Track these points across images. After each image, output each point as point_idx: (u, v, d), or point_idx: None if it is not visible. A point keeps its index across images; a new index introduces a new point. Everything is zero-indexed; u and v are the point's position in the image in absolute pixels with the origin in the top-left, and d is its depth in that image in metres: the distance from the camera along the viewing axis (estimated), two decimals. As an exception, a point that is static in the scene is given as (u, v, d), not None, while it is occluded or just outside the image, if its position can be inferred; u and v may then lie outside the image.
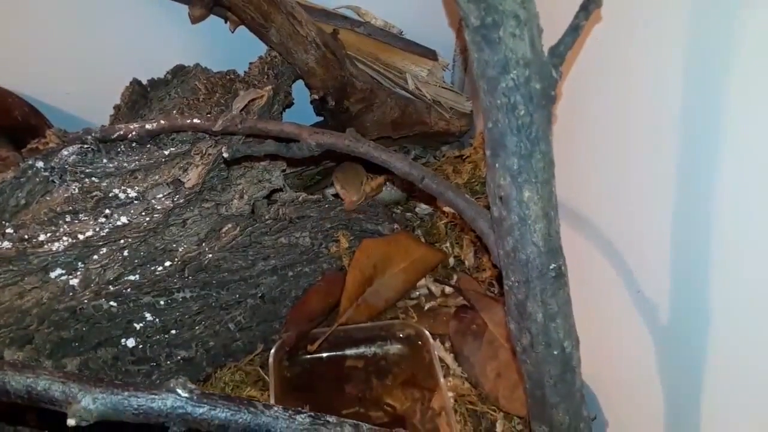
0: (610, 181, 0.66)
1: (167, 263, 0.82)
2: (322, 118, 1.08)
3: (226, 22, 1.00)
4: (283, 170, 0.92)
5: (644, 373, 0.62)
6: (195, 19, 0.86)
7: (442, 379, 0.81)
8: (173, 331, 0.81)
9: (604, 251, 0.67)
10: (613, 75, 0.62)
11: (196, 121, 0.84)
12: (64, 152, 0.84)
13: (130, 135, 0.86)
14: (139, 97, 0.99)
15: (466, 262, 0.98)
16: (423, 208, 1.05)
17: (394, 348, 0.88)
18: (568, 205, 0.72)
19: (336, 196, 0.99)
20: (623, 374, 0.69)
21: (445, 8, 1.10)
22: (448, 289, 0.97)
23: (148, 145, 0.87)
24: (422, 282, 0.97)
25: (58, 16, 1.00)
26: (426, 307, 0.95)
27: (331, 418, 0.53)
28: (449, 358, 0.87)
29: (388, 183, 1.05)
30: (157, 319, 0.80)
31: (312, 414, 0.52)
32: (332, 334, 0.86)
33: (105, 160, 0.84)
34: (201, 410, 0.47)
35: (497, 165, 0.49)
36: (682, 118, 0.51)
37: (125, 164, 0.84)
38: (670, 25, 0.51)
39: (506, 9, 0.41)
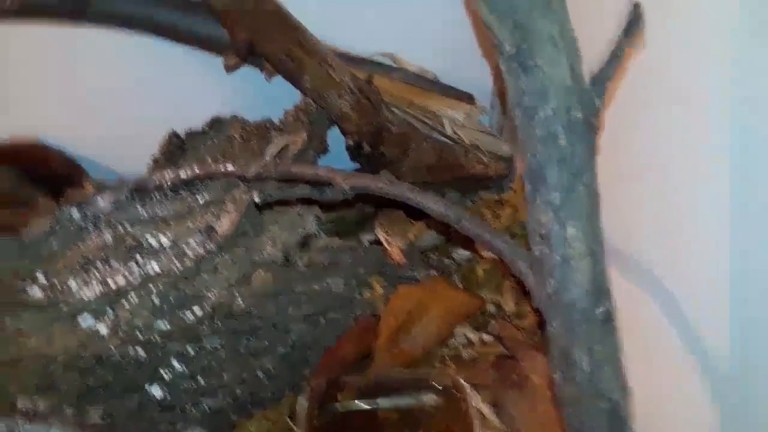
0: (660, 218, 0.62)
1: (197, 310, 0.80)
2: (358, 165, 1.07)
3: (261, 71, 1.00)
4: (317, 216, 0.90)
5: (703, 429, 0.57)
6: (229, 68, 0.86)
7: (481, 433, 0.77)
8: (200, 379, 0.79)
9: (656, 293, 0.63)
10: (662, 102, 0.59)
11: (229, 167, 0.83)
12: (99, 201, 0.84)
13: (164, 184, 0.85)
14: (176, 149, 1.00)
15: (506, 309, 0.94)
16: (461, 253, 1.02)
17: (430, 399, 0.84)
18: (615, 243, 0.69)
19: (375, 242, 0.97)
20: (679, 429, 0.64)
21: (482, 50, 1.09)
22: (487, 337, 0.93)
23: (182, 193, 0.86)
24: (460, 330, 0.93)
25: (97, 68, 1.03)
26: (464, 356, 0.91)
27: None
28: (488, 410, 0.82)
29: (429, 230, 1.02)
30: (184, 367, 0.78)
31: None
32: (364, 383, 0.83)
33: (139, 208, 0.84)
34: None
35: (537, 200, 0.46)
36: (739, 148, 0.47)
37: (158, 212, 0.84)
38: (721, 48, 0.48)
39: (542, 34, 0.39)
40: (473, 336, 0.93)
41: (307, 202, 0.81)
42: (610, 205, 0.50)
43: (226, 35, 0.89)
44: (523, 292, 0.93)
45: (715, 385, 0.55)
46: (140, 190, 0.86)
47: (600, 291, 0.48)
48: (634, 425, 0.53)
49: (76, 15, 0.87)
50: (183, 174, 0.85)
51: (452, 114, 1.08)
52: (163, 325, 0.78)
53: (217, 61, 0.97)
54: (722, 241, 0.51)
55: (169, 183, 0.85)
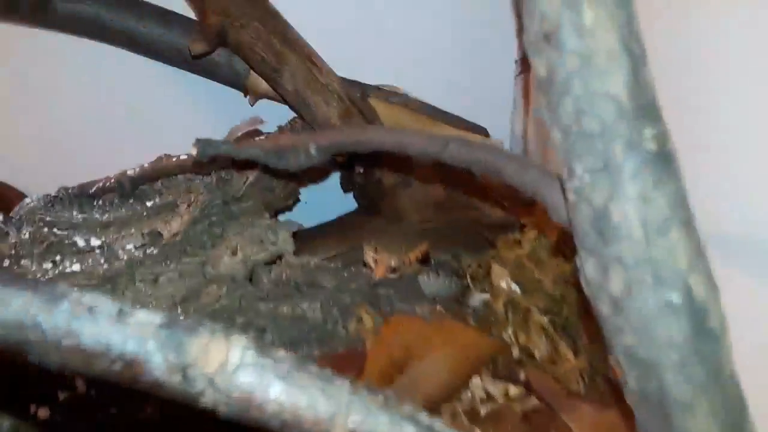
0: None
1: (122, 322, 0.61)
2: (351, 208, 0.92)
3: (245, 96, 0.89)
4: (294, 233, 0.74)
5: None
6: (196, 55, 0.75)
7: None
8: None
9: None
10: None
11: (182, 157, 0.69)
12: (26, 200, 0.70)
13: (108, 185, 0.71)
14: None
15: (537, 353, 0.72)
16: (476, 298, 0.81)
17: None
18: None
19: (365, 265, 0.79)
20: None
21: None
22: (513, 390, 0.70)
23: (131, 201, 0.71)
24: (477, 381, 0.71)
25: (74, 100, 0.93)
26: (482, 412, 0.67)
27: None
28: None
29: (437, 273, 0.83)
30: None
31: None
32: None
33: (74, 212, 0.69)
34: None
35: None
36: None
37: (97, 216, 0.69)
38: None
39: None
40: (494, 388, 0.70)
41: (270, 172, 0.65)
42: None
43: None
44: (558, 327, 0.72)
45: None
46: (82, 195, 0.71)
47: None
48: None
49: (37, 16, 0.79)
50: (131, 172, 0.71)
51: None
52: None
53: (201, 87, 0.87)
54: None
55: (114, 183, 0.71)
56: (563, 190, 0.39)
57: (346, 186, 0.88)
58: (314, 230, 0.88)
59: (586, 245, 0.33)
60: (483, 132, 0.96)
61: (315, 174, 0.89)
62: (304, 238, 0.84)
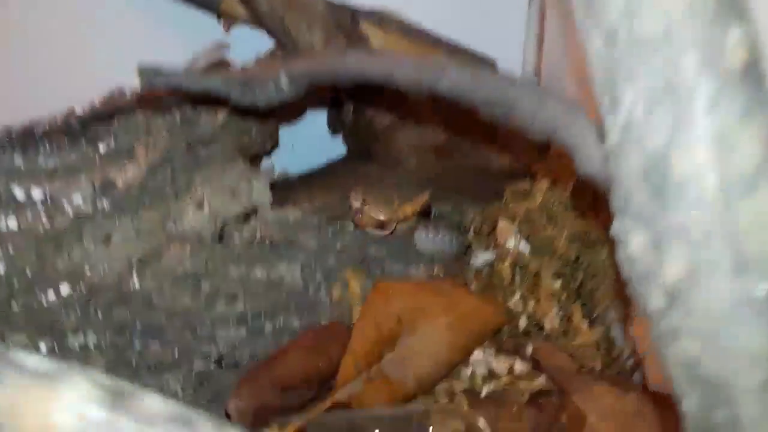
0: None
1: (64, 289, 0.52)
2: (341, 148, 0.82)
3: (219, 20, 0.78)
4: (273, 182, 0.64)
5: None
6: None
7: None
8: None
9: None
10: None
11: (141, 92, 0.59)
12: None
13: (55, 125, 0.61)
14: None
15: (546, 324, 0.63)
16: (480, 257, 0.72)
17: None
18: None
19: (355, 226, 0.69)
20: None
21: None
22: (519, 366, 0.61)
23: (83, 143, 0.61)
24: (478, 355, 0.62)
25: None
26: (484, 392, 0.59)
27: None
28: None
29: (436, 229, 0.73)
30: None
31: None
32: (319, 422, 0.52)
33: (16, 157, 0.59)
34: None
35: None
36: None
37: (41, 163, 0.59)
38: None
39: None
40: (498, 364, 0.62)
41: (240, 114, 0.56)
42: None
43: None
44: (573, 294, 0.63)
45: None
46: (25, 138, 0.62)
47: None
48: None
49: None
50: (79, 110, 0.61)
51: (469, 85, 0.82)
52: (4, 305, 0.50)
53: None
54: None
55: (61, 125, 0.61)
56: (598, 130, 0.29)
57: (333, 127, 0.78)
58: (296, 179, 0.78)
59: (632, 208, 0.24)
60: (491, 64, 0.85)
61: (288, 112, 0.78)
62: (284, 188, 0.75)
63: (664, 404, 0.54)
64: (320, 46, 0.69)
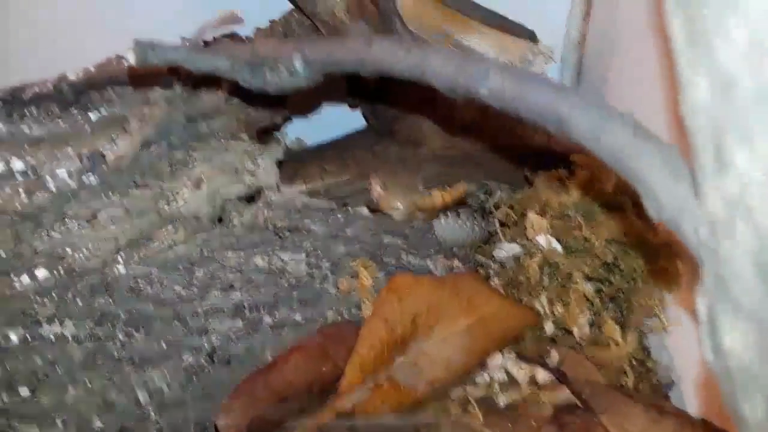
0: None
1: (41, 272, 0.48)
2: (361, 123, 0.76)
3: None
4: (279, 160, 0.58)
5: None
6: None
7: None
8: (23, 392, 0.45)
9: None
10: None
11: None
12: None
13: (45, 90, 0.56)
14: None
15: (575, 331, 0.57)
16: (505, 249, 0.65)
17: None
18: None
19: (373, 211, 0.63)
20: None
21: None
22: (542, 376, 0.55)
23: (73, 110, 0.56)
24: (497, 359, 0.57)
25: None
26: (500, 402, 0.54)
27: None
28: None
29: (458, 214, 0.67)
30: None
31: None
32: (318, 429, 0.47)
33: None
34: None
35: None
36: None
37: (26, 130, 0.53)
38: None
39: None
40: (518, 371, 0.56)
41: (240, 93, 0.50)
42: None
43: None
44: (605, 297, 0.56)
45: None
46: (13, 102, 0.56)
47: None
48: None
49: None
50: (73, 76, 0.55)
51: (503, 56, 0.75)
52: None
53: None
54: None
55: (51, 89, 0.55)
56: (678, 166, 0.23)
57: (352, 98, 0.72)
58: (308, 152, 0.72)
59: (732, 293, 0.17)
60: (530, 36, 0.77)
61: (302, 101, 0.72)
62: (294, 161, 0.69)
63: (704, 433, 0.48)
64: (341, 11, 0.63)
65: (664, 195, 0.25)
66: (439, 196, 0.59)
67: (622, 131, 0.28)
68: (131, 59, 0.43)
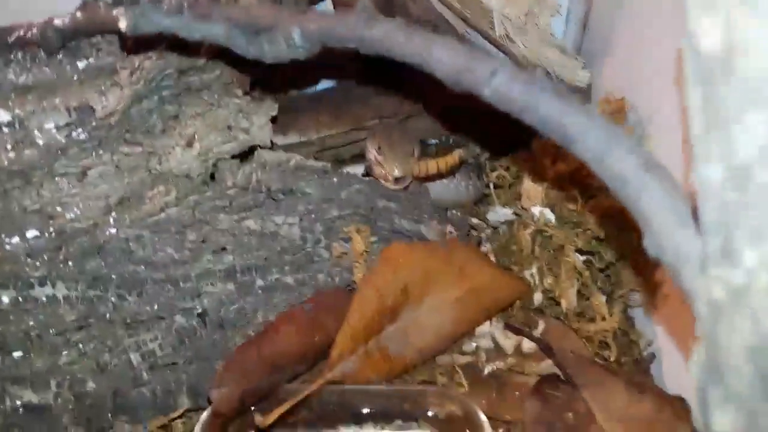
0: None
1: (31, 233, 0.47)
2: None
3: None
4: (273, 117, 0.56)
5: None
6: None
7: None
8: (16, 354, 0.45)
9: None
10: None
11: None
12: None
13: (30, 35, 0.52)
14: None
15: (563, 303, 0.58)
16: (498, 213, 0.65)
17: (423, 436, 0.49)
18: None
19: (367, 174, 0.62)
20: None
21: None
22: (527, 345, 0.57)
23: (60, 57, 0.53)
24: (485, 327, 0.58)
25: None
26: (486, 371, 0.55)
27: None
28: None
29: (453, 173, 0.66)
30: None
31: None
32: (313, 399, 0.48)
33: (-16, 70, 0.51)
34: None
35: None
36: None
37: (11, 77, 0.51)
38: None
39: None
40: (505, 340, 0.57)
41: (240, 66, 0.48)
42: None
43: None
44: (596, 271, 0.57)
45: None
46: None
47: None
48: None
49: None
50: (59, 22, 0.52)
51: (507, 9, 0.72)
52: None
53: None
54: None
55: (36, 35, 0.52)
56: (680, 205, 0.22)
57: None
58: (302, 102, 0.70)
59: (726, 381, 0.17)
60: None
61: (300, 75, 0.69)
62: (287, 113, 0.67)
63: (680, 412, 0.50)
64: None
65: (665, 238, 0.24)
66: (434, 164, 0.58)
67: (628, 159, 0.27)
68: (122, 26, 0.40)
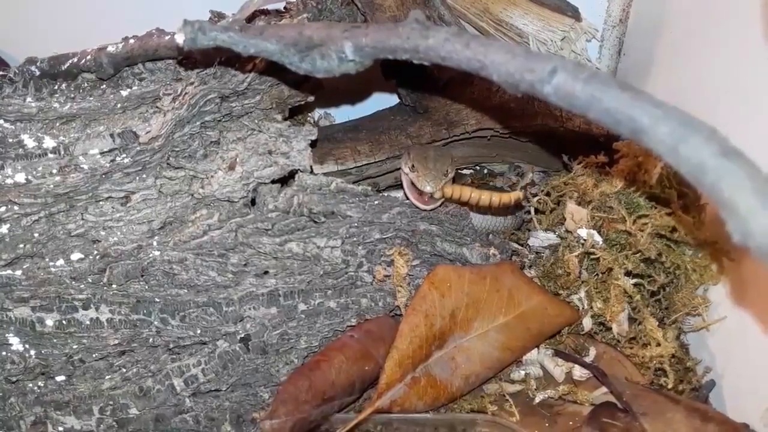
0: None
1: (76, 256, 0.46)
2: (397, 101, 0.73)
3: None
4: (312, 142, 0.56)
5: None
6: None
7: None
8: (59, 378, 0.44)
9: None
10: None
11: (178, 38, 0.50)
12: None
13: (83, 62, 0.53)
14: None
15: (614, 328, 0.55)
16: (539, 237, 0.63)
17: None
18: None
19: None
20: None
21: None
22: (579, 372, 0.54)
23: (103, 86, 0.53)
24: (533, 354, 0.56)
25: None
26: (537, 399, 0.53)
27: None
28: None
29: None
30: (31, 351, 0.44)
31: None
32: (360, 429, 0.46)
33: (28, 99, 0.51)
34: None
35: None
36: None
37: (56, 105, 0.51)
38: None
39: None
40: (555, 367, 0.55)
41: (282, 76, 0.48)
42: None
43: None
44: (648, 295, 0.55)
45: None
46: (52, 72, 0.54)
47: None
48: None
49: None
50: (112, 48, 0.53)
51: (545, 33, 0.72)
52: (9, 272, 0.44)
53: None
54: None
55: (91, 62, 0.53)
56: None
57: (387, 74, 0.69)
58: (340, 131, 0.70)
59: None
60: (573, 12, 0.74)
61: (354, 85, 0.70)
62: (325, 142, 0.67)
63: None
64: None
65: (753, 221, 0.23)
66: (467, 191, 0.57)
67: (706, 146, 0.26)
68: (179, 41, 0.41)
